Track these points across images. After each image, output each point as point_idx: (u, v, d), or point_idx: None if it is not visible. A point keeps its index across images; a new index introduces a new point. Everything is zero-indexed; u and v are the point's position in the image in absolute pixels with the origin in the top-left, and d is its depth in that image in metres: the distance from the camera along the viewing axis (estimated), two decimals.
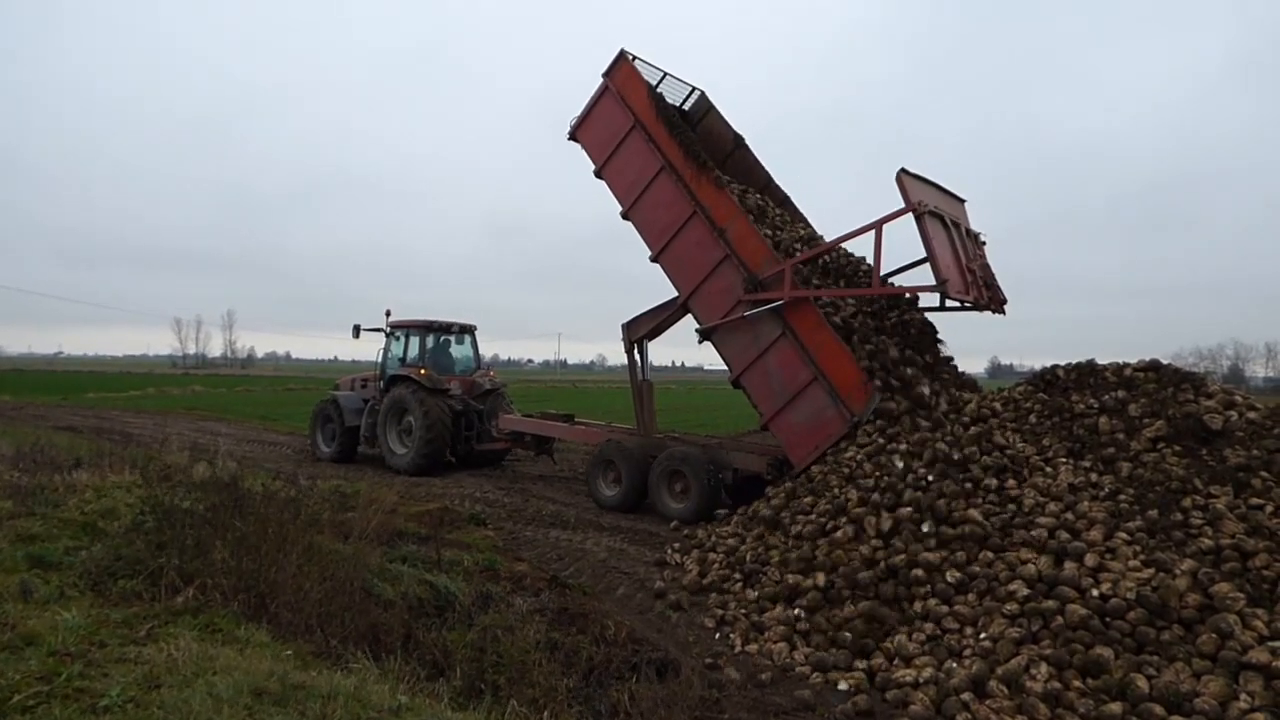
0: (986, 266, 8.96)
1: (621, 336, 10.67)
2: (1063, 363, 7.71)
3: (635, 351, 10.63)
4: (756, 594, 6.09)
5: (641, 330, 10.43)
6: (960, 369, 9.46)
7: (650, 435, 10.55)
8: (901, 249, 8.31)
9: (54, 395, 30.84)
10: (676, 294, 9.63)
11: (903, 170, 7.87)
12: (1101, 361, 7.58)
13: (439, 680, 4.17)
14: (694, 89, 11.06)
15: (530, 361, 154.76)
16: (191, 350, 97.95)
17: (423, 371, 12.91)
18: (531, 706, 3.95)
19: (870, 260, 8.63)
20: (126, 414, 23.28)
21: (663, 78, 10.43)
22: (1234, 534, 5.06)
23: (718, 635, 5.68)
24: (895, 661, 4.90)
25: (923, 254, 7.97)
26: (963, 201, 9.30)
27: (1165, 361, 7.29)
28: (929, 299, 8.48)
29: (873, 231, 7.98)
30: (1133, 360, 7.44)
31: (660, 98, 9.90)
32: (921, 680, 4.58)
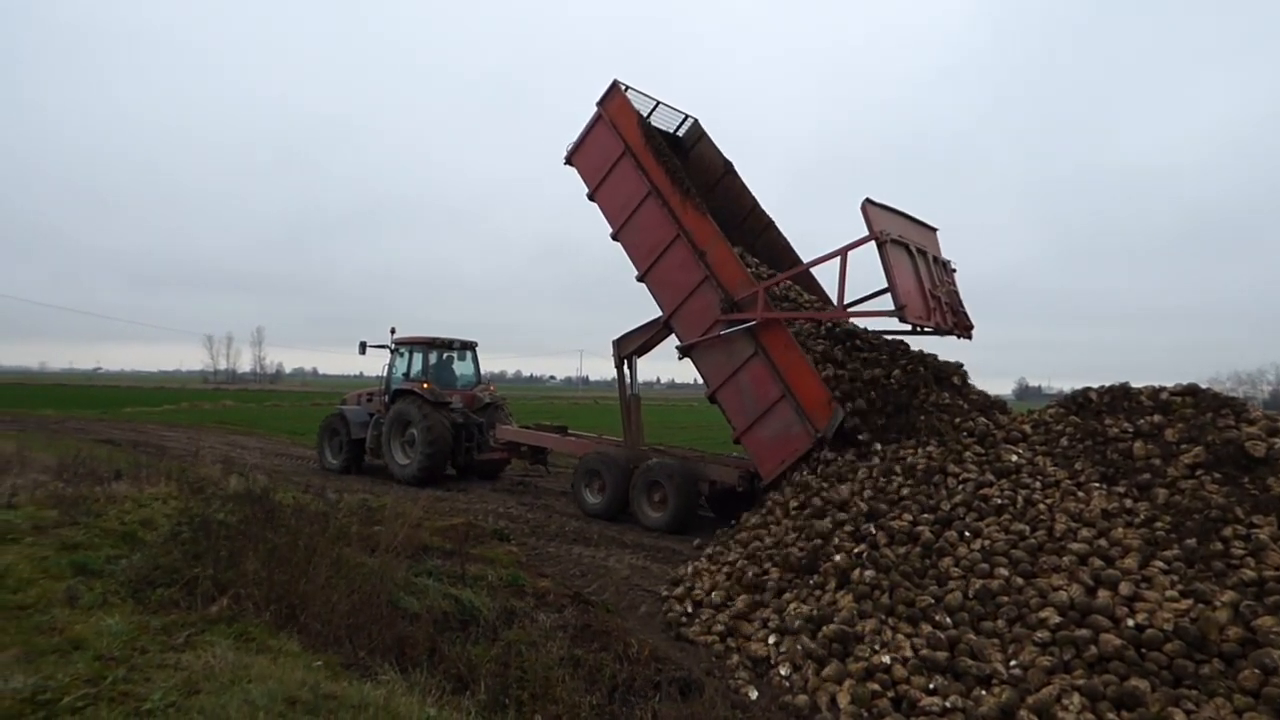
0: (954, 293, 9.42)
1: (612, 353, 11.17)
2: (1095, 385, 7.62)
3: (625, 367, 11.14)
4: (778, 615, 6.04)
5: (630, 347, 10.91)
6: (987, 391, 9.41)
7: (636, 447, 10.95)
8: (876, 277, 8.61)
9: (93, 409, 31.59)
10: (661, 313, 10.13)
11: (867, 200, 8.25)
12: (1136, 385, 7.48)
13: (464, 694, 4.19)
14: (687, 117, 11.66)
15: (552, 378, 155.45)
16: (222, 366, 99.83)
17: (425, 386, 13.38)
18: None
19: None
20: (161, 428, 23.78)
21: (655, 106, 11.03)
22: (1279, 566, 4.94)
23: (735, 658, 5.64)
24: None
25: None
26: (934, 230, 9.77)
27: (1203, 386, 7.17)
28: (904, 326, 8.80)
29: (846, 258, 8.34)
30: (1169, 384, 7.33)
31: (649, 126, 10.46)
32: (948, 708, 4.51)
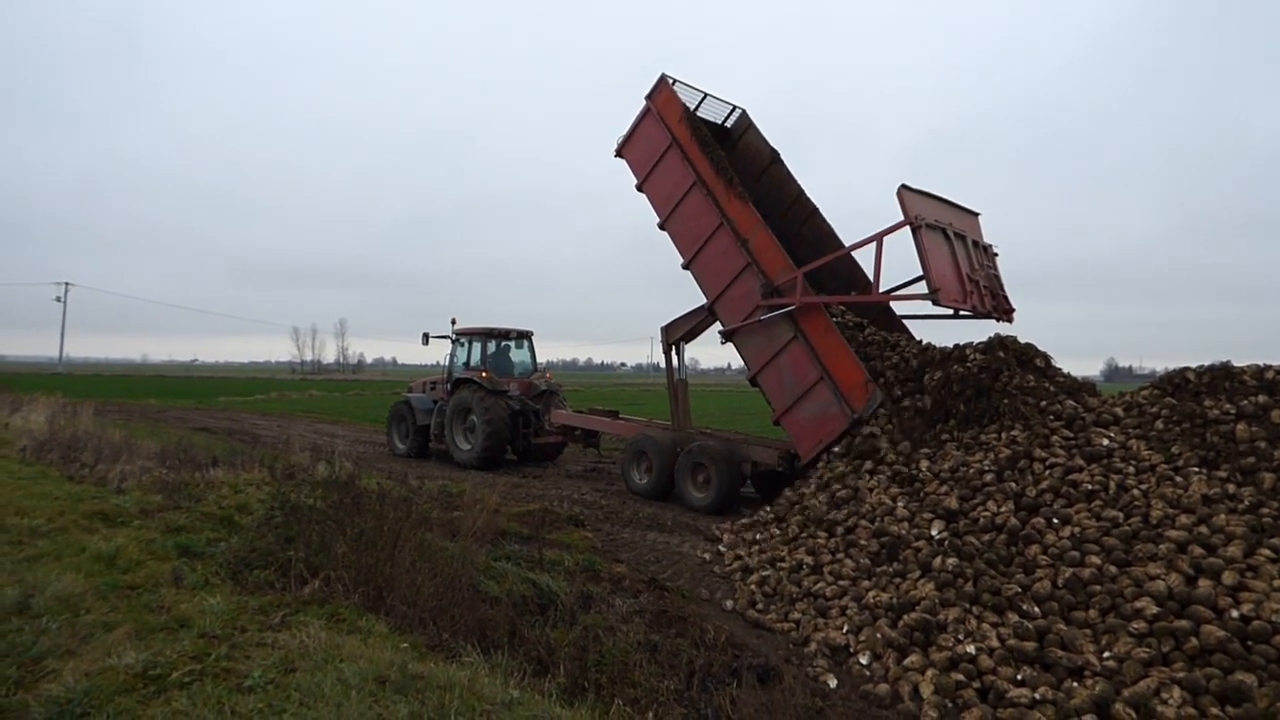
0: (994, 277, 9.53)
1: (660, 339, 11.46)
2: (1192, 365, 7.18)
3: (673, 352, 11.40)
4: (856, 604, 5.95)
5: (678, 333, 11.21)
6: (1073, 373, 8.97)
7: (683, 430, 11.23)
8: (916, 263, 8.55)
9: (191, 399, 33.56)
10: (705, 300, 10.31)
11: (903, 186, 8.37)
12: (1238, 364, 7.00)
13: (545, 676, 4.29)
14: (734, 108, 11.95)
15: (623, 365, 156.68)
16: (308, 357, 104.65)
17: (484, 374, 13.88)
18: (635, 706, 4.02)
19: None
20: (253, 416, 25.06)
21: (703, 98, 11.33)
22: None
23: (814, 645, 5.58)
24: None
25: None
26: (975, 215, 9.83)
27: None
28: (944, 309, 8.88)
29: (882, 243, 8.47)
30: (1275, 362, 6.83)
31: (695, 118, 10.76)
32: (1038, 699, 4.36)
